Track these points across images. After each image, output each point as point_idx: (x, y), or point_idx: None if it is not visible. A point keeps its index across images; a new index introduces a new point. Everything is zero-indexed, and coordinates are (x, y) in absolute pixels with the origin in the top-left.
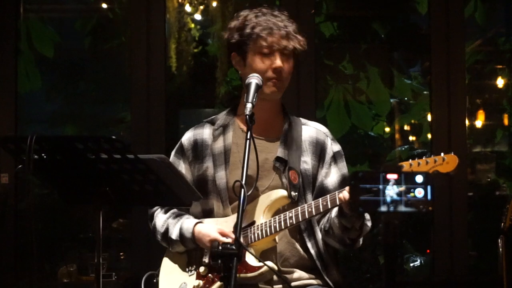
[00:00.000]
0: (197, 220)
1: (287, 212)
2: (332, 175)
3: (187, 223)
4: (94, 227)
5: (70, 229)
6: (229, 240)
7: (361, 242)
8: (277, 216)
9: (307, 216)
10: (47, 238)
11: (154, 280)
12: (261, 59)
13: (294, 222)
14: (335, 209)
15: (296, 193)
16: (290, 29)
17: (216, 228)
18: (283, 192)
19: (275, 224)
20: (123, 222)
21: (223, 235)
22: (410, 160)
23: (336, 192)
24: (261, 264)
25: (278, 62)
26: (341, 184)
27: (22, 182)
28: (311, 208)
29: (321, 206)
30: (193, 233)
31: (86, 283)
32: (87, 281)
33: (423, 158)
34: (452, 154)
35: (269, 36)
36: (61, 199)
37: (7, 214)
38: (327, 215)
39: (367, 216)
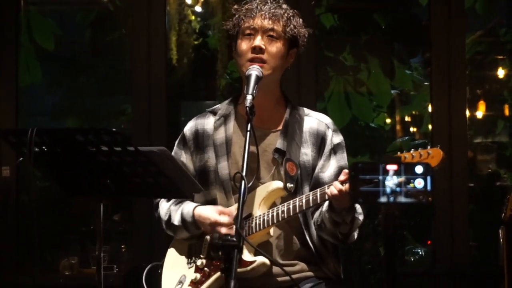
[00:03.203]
0: (196, 204)
1: (280, 206)
2: (329, 168)
3: (187, 207)
4: (95, 219)
5: (72, 221)
6: (228, 219)
7: (355, 237)
8: (270, 210)
9: (297, 211)
10: (48, 230)
11: (159, 271)
12: (244, 41)
13: (286, 216)
14: (326, 203)
15: (293, 185)
16: (277, 12)
17: (216, 209)
18: (279, 184)
19: (267, 218)
20: (124, 215)
21: (222, 213)
22: (398, 153)
23: (326, 186)
24: (254, 259)
25: (256, 41)
26: (337, 177)
27: (24, 175)
28: (302, 202)
29: (311, 201)
30: (193, 216)
31: (87, 276)
32: (88, 273)
33: (410, 152)
34: (438, 148)
35: (251, 17)
36: (62, 191)
37: (9, 207)
38: (319, 209)
39: (358, 209)
